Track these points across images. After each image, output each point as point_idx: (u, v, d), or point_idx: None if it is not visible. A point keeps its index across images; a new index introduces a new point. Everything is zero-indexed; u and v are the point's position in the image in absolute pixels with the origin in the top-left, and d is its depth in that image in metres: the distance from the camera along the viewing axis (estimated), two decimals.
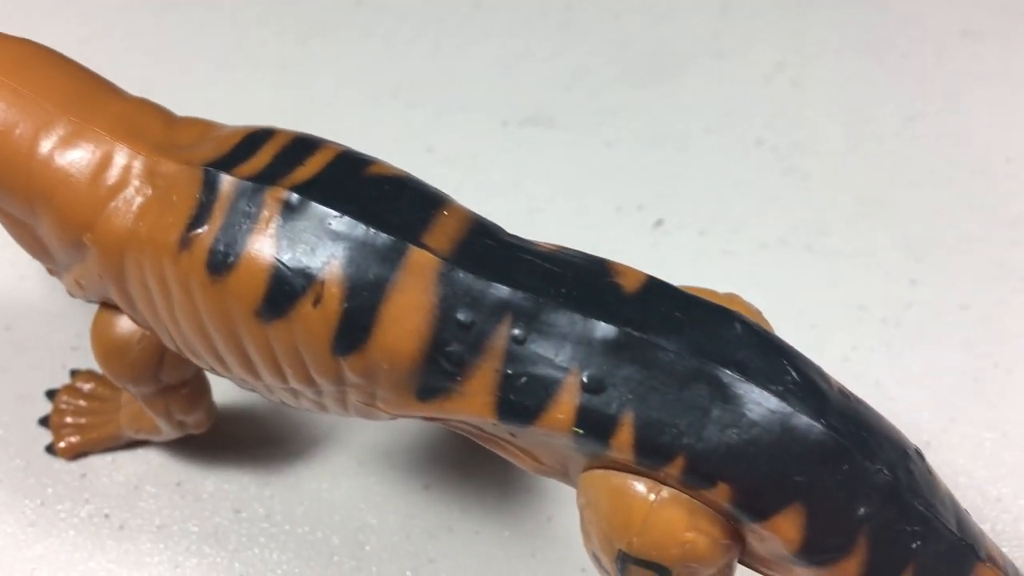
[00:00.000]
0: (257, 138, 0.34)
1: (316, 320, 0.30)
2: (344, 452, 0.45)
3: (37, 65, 0.36)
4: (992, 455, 0.45)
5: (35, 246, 0.38)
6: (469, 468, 0.45)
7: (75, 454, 0.44)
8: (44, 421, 0.45)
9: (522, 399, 0.29)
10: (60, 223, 0.35)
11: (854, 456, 0.28)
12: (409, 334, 0.30)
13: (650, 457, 0.29)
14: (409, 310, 0.30)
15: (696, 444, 0.28)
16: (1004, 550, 0.34)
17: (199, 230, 0.32)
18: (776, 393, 0.28)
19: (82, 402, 0.45)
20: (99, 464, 0.44)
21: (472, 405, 0.30)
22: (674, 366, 0.29)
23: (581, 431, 0.29)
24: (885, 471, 0.29)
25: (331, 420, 0.46)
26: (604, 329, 0.29)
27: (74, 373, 0.46)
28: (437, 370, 0.30)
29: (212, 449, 0.45)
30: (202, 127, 0.36)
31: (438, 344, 0.30)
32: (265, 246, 0.31)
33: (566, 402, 0.29)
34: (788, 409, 0.28)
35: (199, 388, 0.40)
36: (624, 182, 0.56)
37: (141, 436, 0.43)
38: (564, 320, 0.29)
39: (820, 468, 0.28)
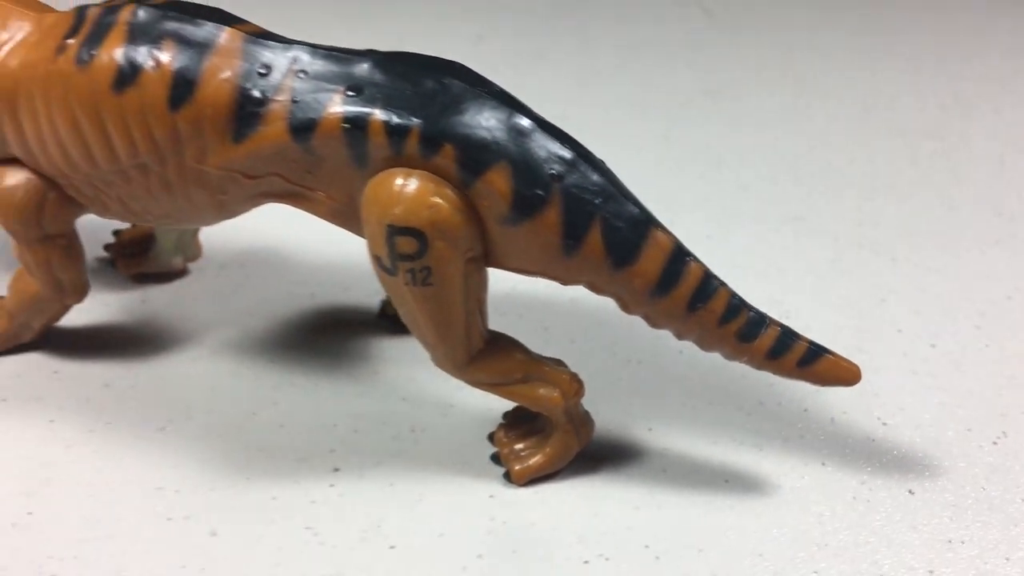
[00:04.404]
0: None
1: (155, 81, 0.42)
2: None
3: None
4: None
5: None
6: None
7: None
8: None
9: (306, 114, 0.41)
10: None
11: (539, 134, 0.41)
12: (222, 84, 0.42)
13: (395, 134, 0.40)
14: (221, 69, 0.42)
15: (426, 118, 0.40)
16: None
17: (70, 40, 0.43)
18: (489, 93, 0.41)
19: None
20: None
21: (273, 132, 0.41)
22: (408, 74, 0.41)
23: (348, 125, 0.40)
24: (564, 146, 0.41)
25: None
26: (357, 61, 0.42)
27: None
28: (245, 113, 0.42)
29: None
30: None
31: (244, 90, 0.42)
32: (118, 40, 0.42)
33: (335, 108, 0.41)
34: (493, 102, 0.41)
35: (75, 246, 0.49)
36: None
37: (23, 315, 0.49)
38: (331, 60, 0.42)
39: (516, 137, 0.40)
